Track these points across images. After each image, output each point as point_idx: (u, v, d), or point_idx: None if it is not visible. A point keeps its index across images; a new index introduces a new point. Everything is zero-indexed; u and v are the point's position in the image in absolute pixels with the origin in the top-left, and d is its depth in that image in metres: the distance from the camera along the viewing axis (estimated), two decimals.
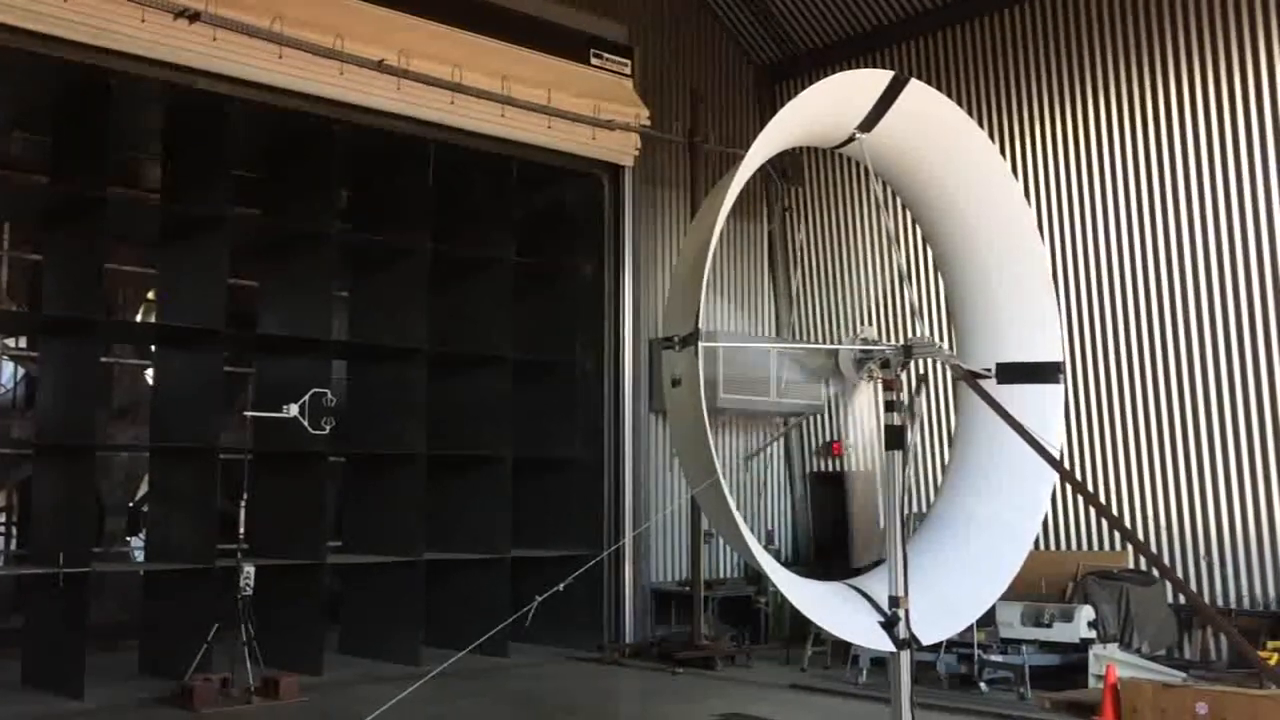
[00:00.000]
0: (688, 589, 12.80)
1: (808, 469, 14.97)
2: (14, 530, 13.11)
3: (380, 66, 10.90)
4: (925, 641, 6.31)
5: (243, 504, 10.19)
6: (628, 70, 13.23)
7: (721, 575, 13.92)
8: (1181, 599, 10.90)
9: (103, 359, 11.85)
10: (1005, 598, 7.10)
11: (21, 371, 13.16)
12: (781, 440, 14.95)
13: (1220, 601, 10.91)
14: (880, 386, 6.32)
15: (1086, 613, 10.29)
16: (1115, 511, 11.49)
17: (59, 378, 10.98)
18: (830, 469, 14.67)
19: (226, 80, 10.31)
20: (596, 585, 12.34)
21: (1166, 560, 11.10)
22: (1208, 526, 11.15)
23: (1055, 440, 6.68)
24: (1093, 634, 10.17)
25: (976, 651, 10.20)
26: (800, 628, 11.91)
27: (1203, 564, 11.06)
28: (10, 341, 12.97)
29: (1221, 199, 11.16)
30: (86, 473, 10.32)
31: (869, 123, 6.50)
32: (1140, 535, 11.30)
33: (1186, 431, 11.35)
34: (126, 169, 12.18)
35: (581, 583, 7.19)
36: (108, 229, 10.43)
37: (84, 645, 9.75)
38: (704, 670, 11.59)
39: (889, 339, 6.34)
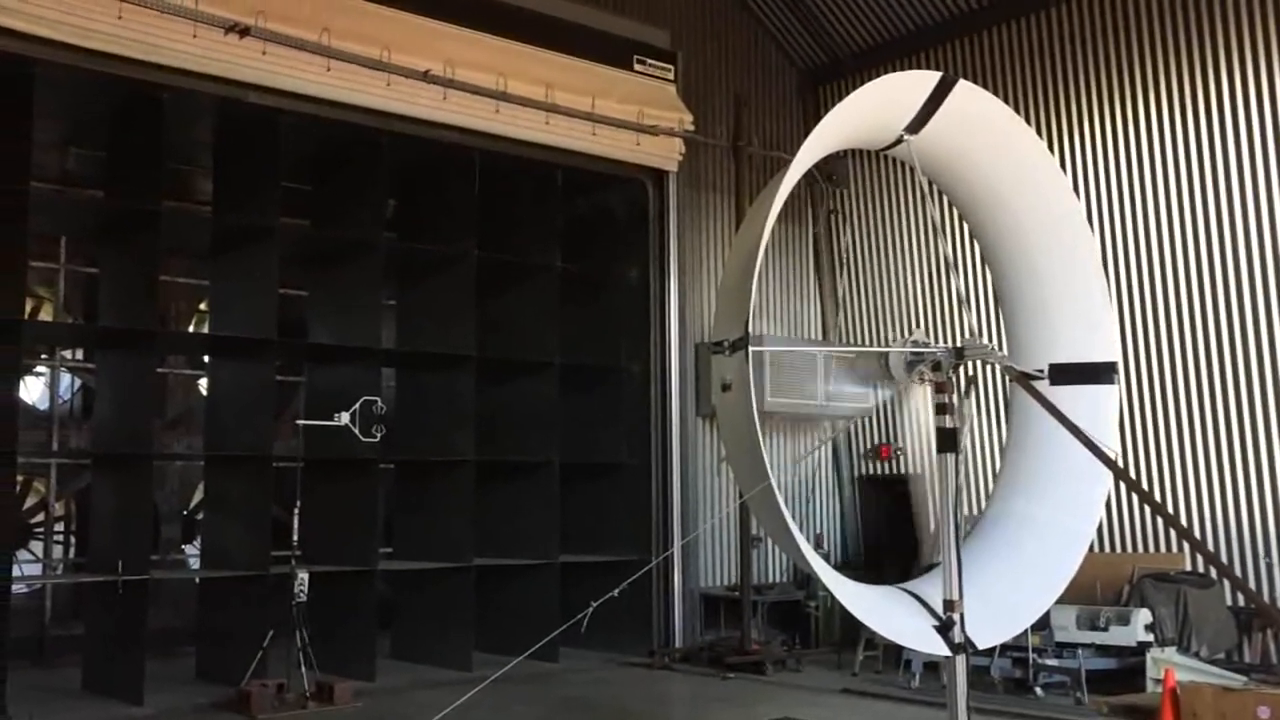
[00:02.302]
0: (737, 594, 12.77)
1: (857, 472, 14.89)
2: (73, 539, 13.33)
3: (426, 77, 11.00)
4: (980, 645, 6.27)
5: (295, 511, 10.29)
6: (671, 76, 13.24)
7: (770, 579, 13.88)
8: (1240, 600, 10.72)
9: (157, 370, 12.03)
10: (1060, 601, 7.01)
11: (78, 383, 13.39)
12: (830, 444, 14.89)
13: None
14: (931, 389, 6.28)
15: (1143, 615, 10.15)
16: (1171, 512, 11.32)
17: (115, 388, 11.17)
18: (879, 472, 14.58)
19: (276, 93, 10.44)
20: (646, 590, 12.34)
21: (1225, 561, 10.91)
22: (1267, 527, 10.94)
23: (1111, 441, 6.60)
24: (1150, 637, 10.03)
25: (1031, 655, 10.10)
26: (851, 632, 11.85)
27: (1262, 565, 10.87)
28: (67, 353, 13.20)
29: (1277, 193, 10.97)
30: (143, 482, 10.47)
31: (917, 124, 6.47)
32: (1198, 535, 11.12)
33: (1244, 429, 11.15)
34: (179, 182, 12.37)
35: (631, 587, 7.20)
36: (161, 242, 10.59)
37: (143, 651, 9.89)
38: (754, 675, 11.56)
39: (937, 340, 6.30)
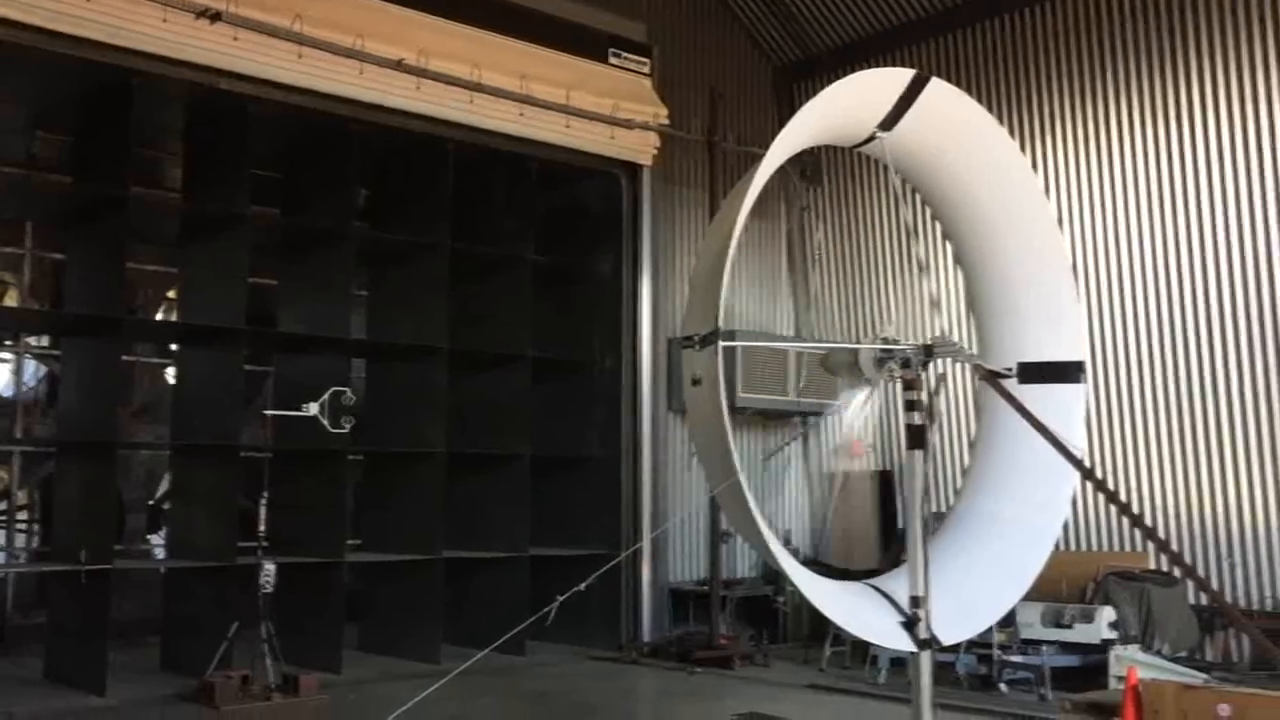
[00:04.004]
0: (706, 588, 12.79)
1: (826, 469, 14.92)
2: (36, 528, 13.19)
3: (400, 66, 10.93)
4: (946, 642, 6.28)
5: (263, 502, 10.21)
6: (646, 69, 13.22)
7: (739, 575, 13.90)
8: (1203, 600, 10.83)
9: (124, 357, 11.90)
10: (1026, 598, 7.05)
11: (44, 370, 13.24)
12: (800, 439, 14.92)
13: (1242, 602, 10.83)
14: (900, 386, 6.29)
15: (1107, 613, 10.24)
16: (1136, 511, 11.42)
17: (81, 376, 11.05)
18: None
19: (247, 80, 10.34)
20: (615, 584, 12.33)
21: (1188, 560, 11.02)
22: (1229, 526, 11.08)
23: (1078, 440, 6.64)
24: (1114, 635, 10.13)
25: (996, 652, 10.17)
26: (819, 627, 11.90)
27: (1225, 564, 10.99)
28: (33, 340, 13.05)
29: (1244, 196, 11.09)
30: (108, 471, 10.37)
31: (889, 121, 6.46)
32: (1162, 535, 11.23)
33: (1208, 430, 11.27)
34: (147, 168, 12.23)
35: (599, 582, 7.18)
36: (129, 228, 10.47)
37: (106, 642, 9.81)
38: (722, 670, 11.58)
39: (909, 338, 6.31)
